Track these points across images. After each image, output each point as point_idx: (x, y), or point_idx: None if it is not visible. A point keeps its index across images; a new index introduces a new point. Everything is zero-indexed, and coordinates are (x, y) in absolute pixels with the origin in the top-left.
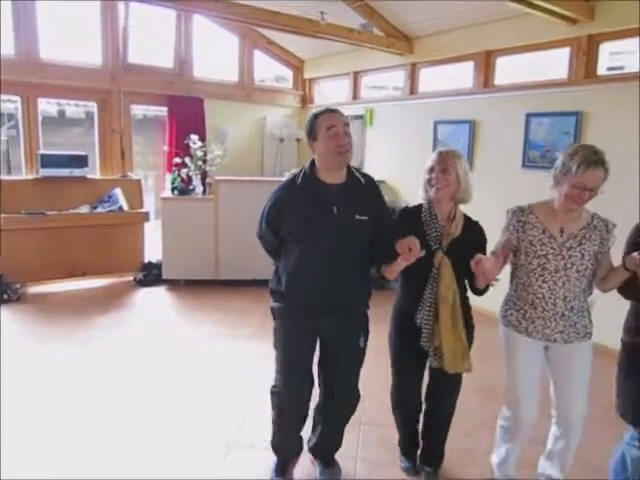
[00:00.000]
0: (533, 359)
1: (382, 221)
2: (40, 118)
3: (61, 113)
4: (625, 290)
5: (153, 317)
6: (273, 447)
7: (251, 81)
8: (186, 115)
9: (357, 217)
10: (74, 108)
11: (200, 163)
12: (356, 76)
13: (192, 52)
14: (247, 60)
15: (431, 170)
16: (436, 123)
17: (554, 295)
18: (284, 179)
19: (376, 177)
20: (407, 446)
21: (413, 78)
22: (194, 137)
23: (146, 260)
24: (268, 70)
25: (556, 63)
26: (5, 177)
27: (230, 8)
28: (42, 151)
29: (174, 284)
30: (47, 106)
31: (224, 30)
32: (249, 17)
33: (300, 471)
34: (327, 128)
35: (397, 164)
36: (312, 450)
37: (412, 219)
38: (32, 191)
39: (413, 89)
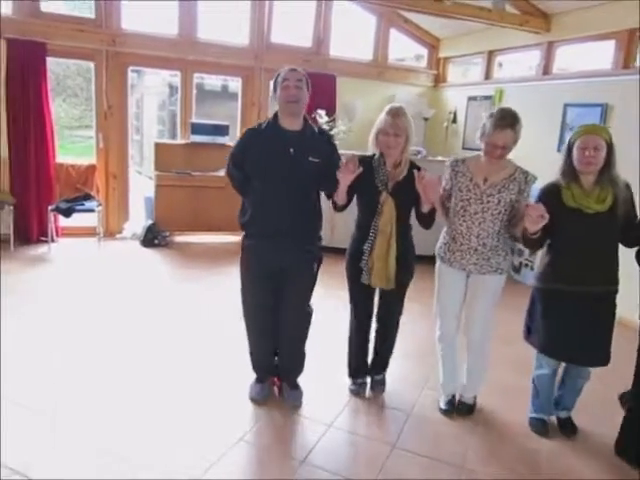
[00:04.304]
0: (453, 284)
1: (332, 162)
2: (195, 91)
3: (224, 88)
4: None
5: None
6: (252, 366)
7: (384, 59)
8: (318, 91)
9: (310, 159)
10: (235, 84)
11: None
12: (490, 55)
13: (330, 32)
14: (382, 39)
15: (386, 133)
16: (566, 106)
17: (470, 232)
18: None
19: None
20: (357, 371)
21: (549, 58)
22: (321, 112)
23: None
24: (404, 49)
25: None
26: (162, 141)
27: None
28: (193, 120)
29: None
30: (214, 81)
31: (362, 10)
32: None
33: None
34: (282, 81)
35: (522, 147)
36: (279, 373)
37: (365, 165)
38: (182, 154)
39: (547, 69)
